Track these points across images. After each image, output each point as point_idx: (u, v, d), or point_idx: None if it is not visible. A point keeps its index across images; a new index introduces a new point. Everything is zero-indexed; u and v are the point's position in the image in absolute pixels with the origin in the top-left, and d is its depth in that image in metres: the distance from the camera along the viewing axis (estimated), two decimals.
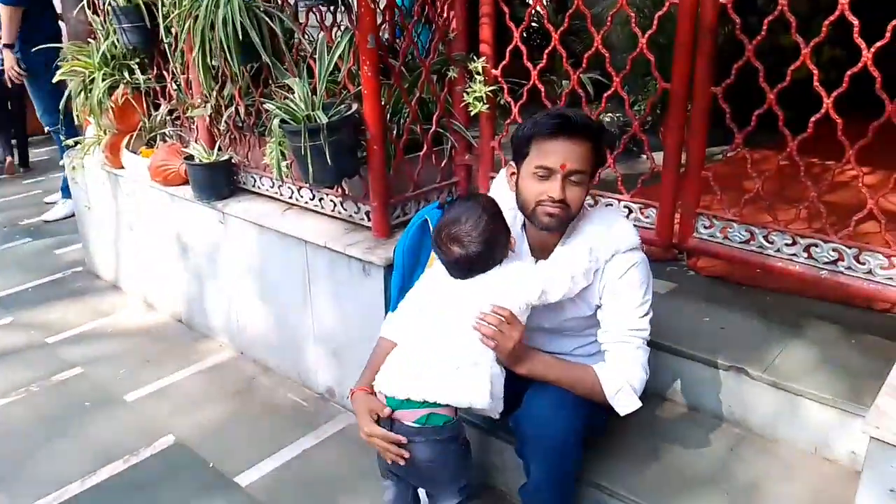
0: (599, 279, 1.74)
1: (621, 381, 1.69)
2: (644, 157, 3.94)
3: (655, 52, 2.01)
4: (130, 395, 2.76)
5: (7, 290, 3.75)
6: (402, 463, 1.66)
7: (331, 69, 2.32)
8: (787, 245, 1.97)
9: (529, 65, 2.24)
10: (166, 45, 2.86)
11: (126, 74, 3.14)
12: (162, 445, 2.45)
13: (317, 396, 2.71)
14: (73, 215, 4.35)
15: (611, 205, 2.25)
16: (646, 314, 1.74)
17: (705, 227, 2.11)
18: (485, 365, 1.66)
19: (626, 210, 2.24)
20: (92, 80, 3.15)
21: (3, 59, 4.39)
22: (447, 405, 1.67)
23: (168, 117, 3.20)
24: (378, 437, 1.67)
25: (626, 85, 2.19)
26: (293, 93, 2.27)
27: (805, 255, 1.95)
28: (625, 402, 1.71)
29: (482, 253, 1.66)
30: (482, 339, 1.65)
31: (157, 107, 3.24)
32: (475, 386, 1.64)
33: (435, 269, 1.83)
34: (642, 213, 2.21)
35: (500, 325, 1.64)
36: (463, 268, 1.69)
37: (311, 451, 2.39)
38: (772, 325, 2.19)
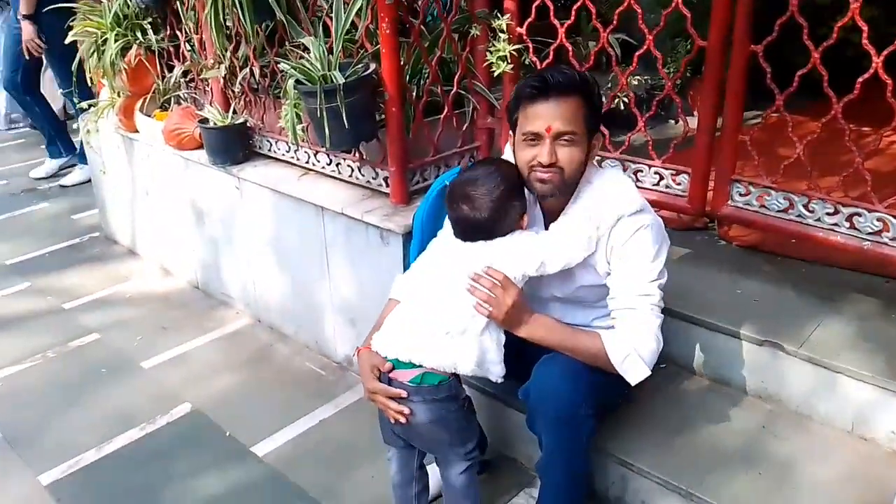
0: (606, 243, 1.65)
1: (628, 347, 1.59)
2: (673, 121, 3.84)
3: (690, 9, 1.89)
4: (147, 362, 2.73)
5: (24, 255, 3.73)
6: (402, 421, 1.64)
7: (348, 27, 2.21)
8: (828, 214, 1.87)
9: (556, 22, 2.13)
10: (178, 4, 2.76)
11: (139, 35, 3.05)
12: (178, 413, 2.42)
13: (335, 365, 2.66)
14: (89, 181, 4.31)
15: (621, 166, 2.15)
16: (656, 279, 1.64)
17: (741, 195, 2.01)
18: (472, 332, 1.62)
19: (657, 176, 2.13)
20: (104, 41, 3.07)
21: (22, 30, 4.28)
22: None
23: (182, 79, 3.11)
24: (379, 391, 1.65)
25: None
26: (309, 52, 2.18)
27: (847, 224, 1.84)
28: (631, 369, 1.60)
29: (489, 219, 1.61)
30: (475, 305, 1.60)
31: (171, 68, 3.15)
32: (461, 353, 1.62)
33: (445, 229, 1.79)
34: (674, 180, 2.11)
35: (493, 288, 1.60)
36: (466, 229, 1.66)
37: (328, 421, 2.35)
38: (808, 297, 2.10)
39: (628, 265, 1.64)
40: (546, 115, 1.58)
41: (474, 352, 1.63)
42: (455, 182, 1.67)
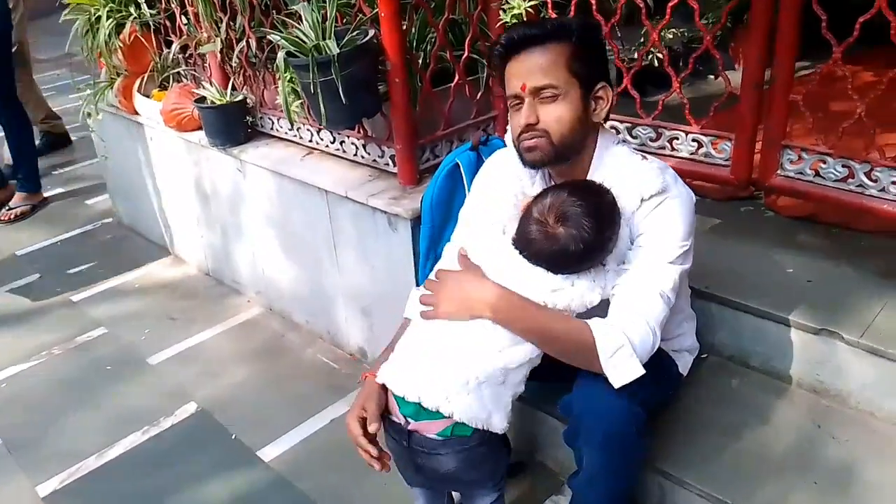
0: (630, 227, 1.41)
1: (621, 337, 1.29)
2: (713, 77, 3.52)
3: None
4: (154, 358, 2.60)
5: (36, 244, 3.63)
6: (378, 469, 1.42)
7: None
8: (894, 183, 1.61)
9: None
10: None
11: (132, 10, 2.87)
12: (183, 414, 2.29)
13: (347, 357, 2.50)
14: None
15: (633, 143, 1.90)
16: (675, 262, 1.37)
17: (792, 163, 1.76)
18: (512, 381, 1.37)
19: (696, 144, 1.89)
20: (98, 19, 2.90)
21: None
22: None
23: (181, 55, 2.93)
24: (363, 447, 1.42)
25: None
26: (302, 20, 1.97)
27: None
28: (622, 366, 1.29)
29: (577, 252, 1.30)
30: (423, 313, 1.40)
31: (169, 44, 2.96)
32: (499, 406, 1.36)
33: (475, 227, 1.51)
34: (714, 147, 1.86)
35: (431, 286, 1.41)
36: (539, 249, 1.32)
37: (340, 421, 2.18)
38: (869, 276, 1.84)
39: (646, 239, 1.40)
40: (519, 72, 1.37)
41: (508, 408, 1.39)
42: (554, 188, 1.38)
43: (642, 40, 3.52)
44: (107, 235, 3.69)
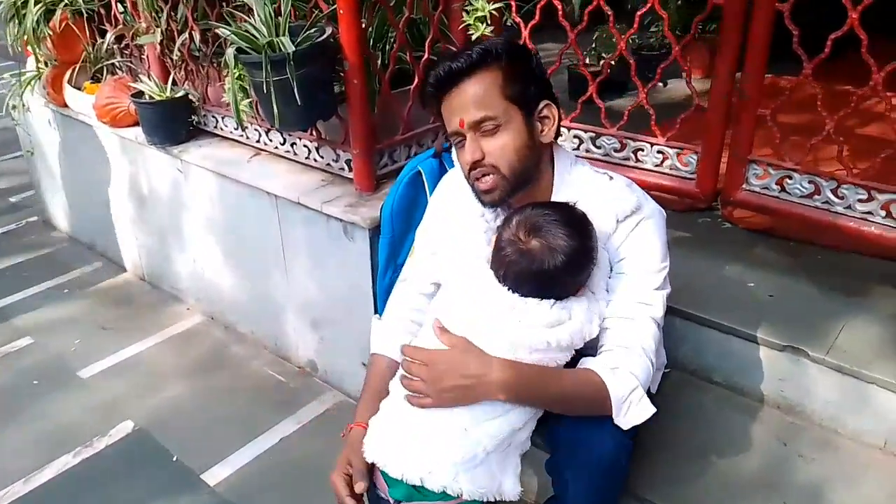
0: (609, 251, 1.35)
1: (631, 381, 1.23)
2: (661, 85, 3.53)
3: None
4: (85, 371, 2.43)
5: None
6: None
7: None
8: (860, 201, 1.61)
9: None
10: None
11: None
12: (119, 434, 2.13)
13: (296, 370, 2.38)
14: None
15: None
16: (660, 287, 1.33)
17: (758, 178, 1.74)
18: (519, 442, 1.26)
19: (661, 156, 1.86)
20: (24, 3, 2.68)
21: None
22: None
23: (116, 45, 2.74)
24: None
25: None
26: (253, 14, 1.84)
27: (884, 213, 1.59)
28: (634, 409, 1.25)
29: (559, 265, 1.19)
30: (407, 397, 1.24)
31: (103, 33, 2.77)
32: (507, 471, 1.24)
33: (461, 262, 1.36)
34: (680, 160, 1.83)
35: (420, 372, 1.24)
36: (520, 270, 1.21)
37: (290, 439, 2.08)
38: (829, 292, 1.84)
39: (628, 265, 1.34)
40: (454, 109, 1.30)
41: (517, 472, 1.27)
42: (527, 206, 1.27)
43: (594, 45, 3.53)
44: (32, 236, 3.46)
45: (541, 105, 1.33)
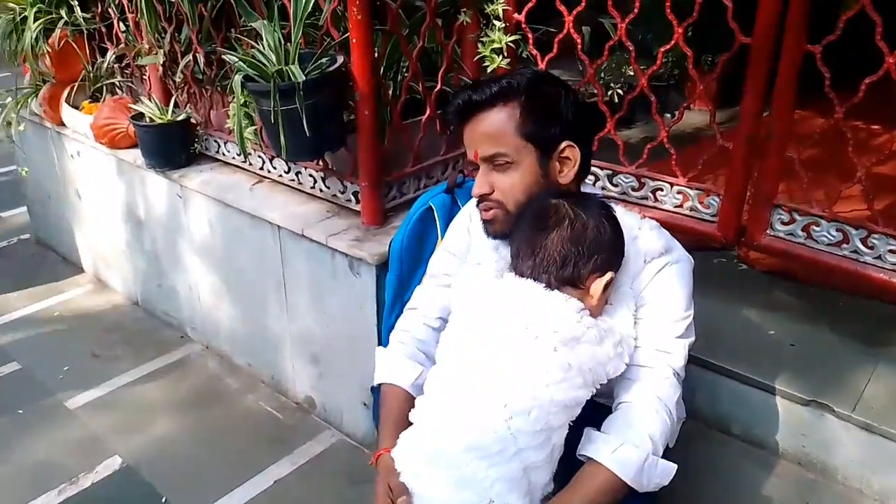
0: (634, 290, 1.28)
1: (638, 451, 1.16)
2: (668, 116, 3.49)
3: None
4: (73, 401, 2.33)
5: None
6: None
7: (310, 10, 1.81)
8: (891, 252, 1.54)
9: (563, 7, 1.76)
10: None
11: (64, 13, 2.60)
12: (106, 471, 2.03)
13: (293, 406, 2.29)
14: None
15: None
16: (682, 336, 1.26)
17: (783, 223, 1.67)
18: (540, 484, 1.17)
19: (681, 196, 1.79)
20: (23, 19, 2.62)
21: None
22: None
23: (116, 65, 2.67)
24: None
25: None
26: (261, 40, 1.78)
27: None
28: (656, 474, 1.17)
29: (574, 235, 1.16)
30: None
31: (103, 52, 2.71)
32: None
33: (472, 269, 1.32)
34: (701, 202, 1.76)
35: None
36: (533, 249, 1.17)
37: (284, 482, 1.98)
38: (852, 342, 1.77)
39: (649, 311, 1.27)
40: (470, 139, 1.29)
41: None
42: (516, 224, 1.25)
43: (602, 77, 3.48)
44: (23, 254, 3.37)
45: (562, 145, 1.27)
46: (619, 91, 3.05)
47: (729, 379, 1.72)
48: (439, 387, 1.22)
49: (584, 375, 1.15)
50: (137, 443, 2.14)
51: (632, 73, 3.41)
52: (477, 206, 1.33)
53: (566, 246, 1.16)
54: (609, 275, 1.18)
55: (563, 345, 1.12)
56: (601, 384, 1.19)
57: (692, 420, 1.78)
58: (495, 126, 1.24)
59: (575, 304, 1.15)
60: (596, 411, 1.28)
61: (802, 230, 1.66)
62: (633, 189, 1.87)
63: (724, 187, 1.72)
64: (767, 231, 1.70)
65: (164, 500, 1.93)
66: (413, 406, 1.27)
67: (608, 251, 1.19)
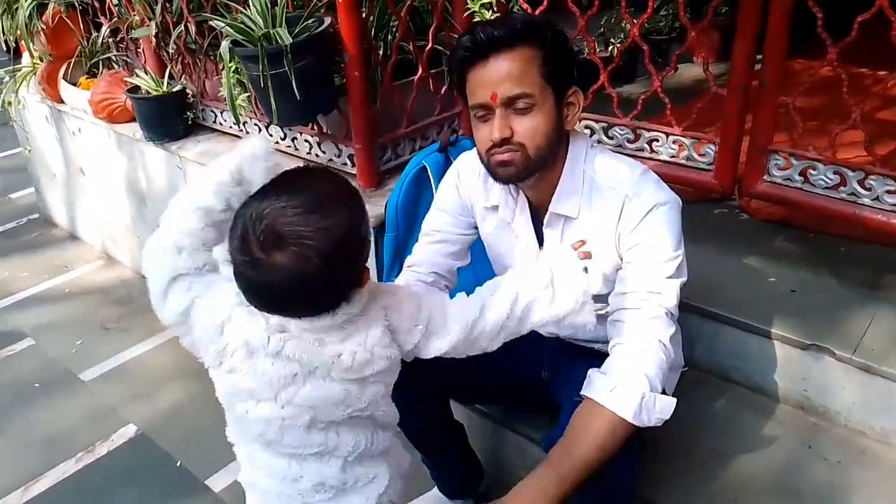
0: (615, 234, 1.28)
1: (637, 388, 1.17)
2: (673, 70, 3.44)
3: None
4: (86, 374, 2.38)
5: None
6: None
7: None
8: (889, 192, 1.53)
9: None
10: None
11: None
12: (121, 438, 2.08)
13: None
14: None
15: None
16: (672, 276, 1.24)
17: (780, 169, 1.66)
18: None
19: (677, 146, 1.78)
20: None
21: None
22: None
23: (111, 39, 2.67)
24: None
25: None
26: (248, 5, 1.77)
27: None
28: (656, 409, 1.19)
29: (314, 285, 0.98)
30: None
31: (98, 27, 2.70)
32: None
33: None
34: (697, 151, 1.75)
35: None
36: (267, 296, 1.00)
37: None
38: (853, 287, 1.76)
39: (638, 255, 1.26)
40: (488, 80, 1.20)
41: None
42: (247, 213, 0.96)
43: (602, 30, 3.43)
44: (32, 234, 3.41)
45: (570, 90, 1.25)
46: (619, 46, 3.01)
47: (729, 327, 1.72)
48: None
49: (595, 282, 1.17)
50: (151, 410, 2.19)
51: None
52: (486, 151, 1.26)
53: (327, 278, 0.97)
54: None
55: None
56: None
57: (693, 369, 1.80)
58: (521, 65, 1.18)
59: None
60: (596, 357, 1.29)
61: (800, 174, 1.64)
62: (629, 141, 1.86)
63: (719, 136, 1.70)
64: (764, 177, 1.69)
65: (178, 464, 1.97)
66: None
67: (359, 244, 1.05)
